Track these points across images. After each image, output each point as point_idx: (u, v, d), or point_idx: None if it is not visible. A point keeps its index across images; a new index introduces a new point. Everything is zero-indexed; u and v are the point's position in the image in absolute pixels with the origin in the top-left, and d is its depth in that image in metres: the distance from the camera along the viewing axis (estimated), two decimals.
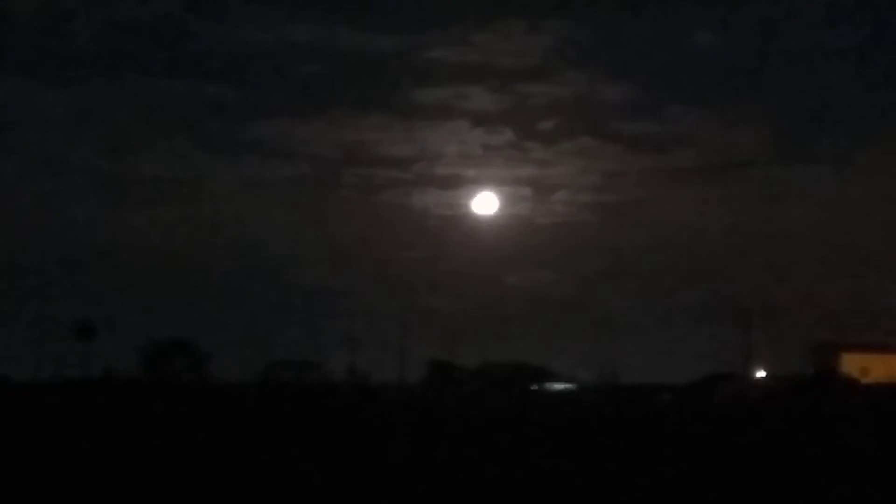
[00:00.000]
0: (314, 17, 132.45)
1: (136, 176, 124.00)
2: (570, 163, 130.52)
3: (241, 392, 60.75)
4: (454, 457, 23.56)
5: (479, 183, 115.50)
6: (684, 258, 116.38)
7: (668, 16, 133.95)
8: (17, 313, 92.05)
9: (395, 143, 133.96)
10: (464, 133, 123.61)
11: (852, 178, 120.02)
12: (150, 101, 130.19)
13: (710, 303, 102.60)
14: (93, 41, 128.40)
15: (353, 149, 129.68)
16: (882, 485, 19.34)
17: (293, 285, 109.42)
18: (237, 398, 53.42)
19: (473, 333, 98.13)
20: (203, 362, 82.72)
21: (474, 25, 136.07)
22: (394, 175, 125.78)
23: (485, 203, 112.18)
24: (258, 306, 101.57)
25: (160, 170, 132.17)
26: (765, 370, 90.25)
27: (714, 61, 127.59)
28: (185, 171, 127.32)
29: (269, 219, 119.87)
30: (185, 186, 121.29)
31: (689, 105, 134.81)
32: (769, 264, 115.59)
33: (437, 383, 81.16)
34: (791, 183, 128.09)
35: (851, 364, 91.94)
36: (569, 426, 34.39)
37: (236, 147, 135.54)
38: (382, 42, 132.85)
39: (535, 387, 79.10)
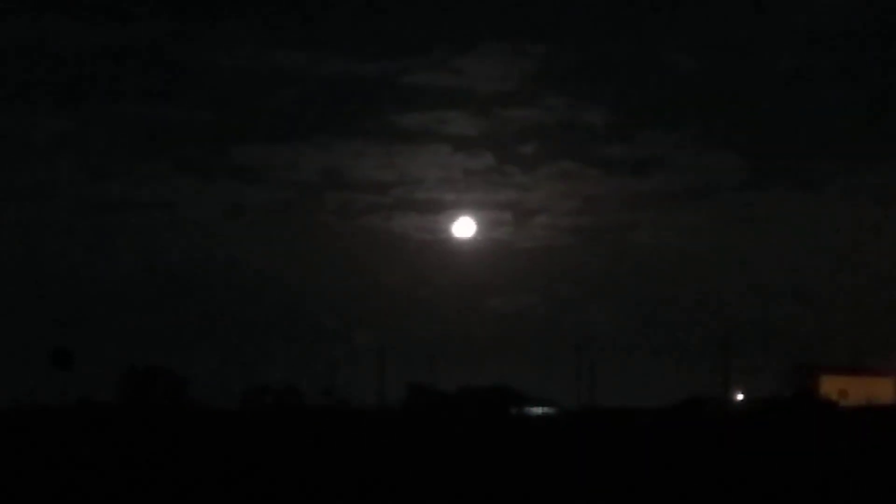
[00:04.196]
0: (295, 42, 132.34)
1: (116, 201, 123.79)
2: (551, 187, 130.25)
3: (219, 418, 60.56)
4: (433, 479, 23.54)
5: (459, 207, 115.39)
6: (664, 282, 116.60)
7: (647, 40, 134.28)
8: None
9: (374, 168, 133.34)
10: (444, 157, 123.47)
11: (830, 203, 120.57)
12: (131, 126, 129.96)
13: (689, 326, 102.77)
14: (73, 66, 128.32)
15: (333, 173, 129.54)
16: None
17: (271, 310, 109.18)
18: (216, 424, 53.23)
19: (453, 357, 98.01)
20: (181, 388, 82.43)
21: (454, 50, 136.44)
22: (373, 199, 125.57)
23: (465, 227, 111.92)
24: (236, 331, 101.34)
25: (140, 195, 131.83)
26: (743, 393, 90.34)
27: (693, 85, 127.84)
28: (165, 196, 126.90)
29: (249, 243, 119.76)
30: (164, 211, 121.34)
31: (669, 129, 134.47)
32: (748, 287, 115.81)
33: (417, 407, 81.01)
34: (769, 207, 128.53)
35: (830, 387, 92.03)
36: (549, 449, 34.38)
37: (217, 171, 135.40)
38: (363, 67, 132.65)
39: (514, 410, 79.04)
